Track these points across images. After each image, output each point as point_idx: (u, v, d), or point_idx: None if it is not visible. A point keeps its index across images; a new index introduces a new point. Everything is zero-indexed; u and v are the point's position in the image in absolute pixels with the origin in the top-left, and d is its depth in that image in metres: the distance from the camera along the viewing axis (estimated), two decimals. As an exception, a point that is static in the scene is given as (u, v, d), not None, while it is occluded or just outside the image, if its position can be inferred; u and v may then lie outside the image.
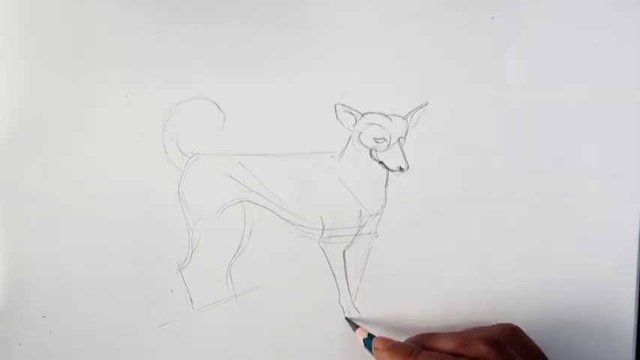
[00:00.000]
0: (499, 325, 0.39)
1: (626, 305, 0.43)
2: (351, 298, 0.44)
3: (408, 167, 0.43)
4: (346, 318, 0.43)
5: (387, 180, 0.43)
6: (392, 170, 0.43)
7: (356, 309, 0.44)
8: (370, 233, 0.43)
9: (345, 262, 0.44)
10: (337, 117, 0.43)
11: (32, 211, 0.43)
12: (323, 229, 0.43)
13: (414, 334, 0.41)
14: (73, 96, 0.43)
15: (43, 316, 0.43)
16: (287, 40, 0.43)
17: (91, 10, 0.42)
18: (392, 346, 0.38)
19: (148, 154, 0.43)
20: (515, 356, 0.36)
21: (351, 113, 0.43)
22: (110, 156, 0.43)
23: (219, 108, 0.43)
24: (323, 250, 0.43)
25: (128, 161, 0.43)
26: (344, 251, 0.44)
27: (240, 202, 0.43)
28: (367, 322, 0.43)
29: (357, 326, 0.42)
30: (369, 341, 0.40)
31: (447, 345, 0.38)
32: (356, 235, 0.44)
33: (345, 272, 0.44)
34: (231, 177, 0.43)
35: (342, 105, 0.43)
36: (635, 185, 0.43)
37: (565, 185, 0.43)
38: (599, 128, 0.43)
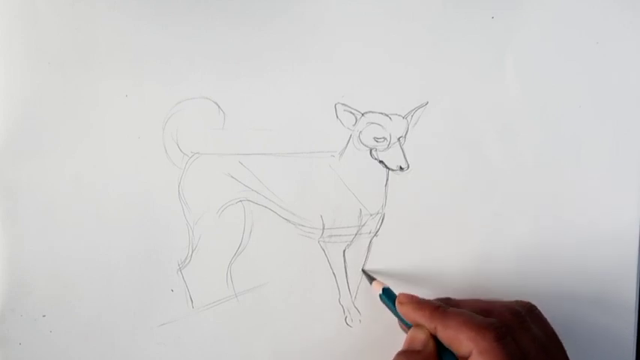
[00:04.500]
0: (517, 301, 0.40)
1: (626, 305, 0.43)
2: (351, 297, 0.44)
3: (408, 167, 0.43)
4: (363, 270, 0.43)
5: (387, 179, 0.43)
6: (392, 170, 0.43)
7: (356, 308, 0.44)
8: (370, 233, 0.43)
9: (345, 261, 0.44)
10: (337, 116, 0.43)
11: (32, 211, 0.43)
12: (323, 228, 0.43)
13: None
14: (73, 95, 0.43)
15: (43, 316, 0.43)
16: (287, 39, 0.43)
17: (90, 9, 0.42)
18: (418, 301, 0.38)
19: (148, 154, 0.43)
20: (534, 329, 0.36)
21: (351, 112, 0.43)
22: (110, 155, 0.43)
23: (219, 107, 0.43)
24: (323, 250, 0.43)
25: (128, 161, 0.43)
26: (344, 251, 0.44)
27: (241, 201, 0.43)
28: (368, 321, 0.43)
29: (373, 279, 0.42)
30: (384, 296, 0.40)
31: (469, 308, 0.38)
32: (356, 234, 0.44)
33: (345, 272, 0.44)
34: (232, 176, 0.43)
35: (342, 104, 0.43)
36: (636, 185, 0.43)
37: (565, 185, 0.43)
38: (599, 128, 0.43)
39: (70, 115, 0.43)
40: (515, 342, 0.34)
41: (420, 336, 0.37)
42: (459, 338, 0.34)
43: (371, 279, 0.42)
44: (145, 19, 0.42)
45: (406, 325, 0.39)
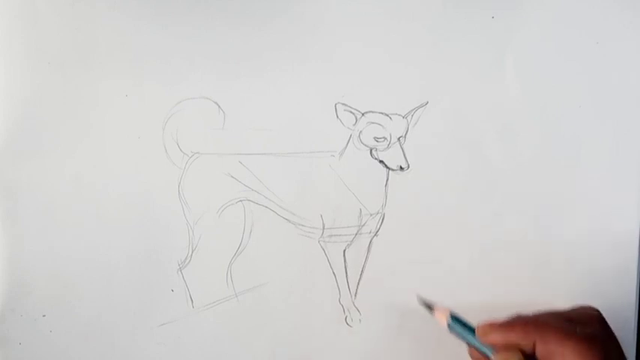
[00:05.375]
0: (584, 306, 0.39)
1: (626, 305, 0.43)
2: (351, 297, 0.44)
3: (408, 166, 0.43)
4: (421, 299, 0.41)
5: (387, 179, 0.43)
6: (392, 169, 0.43)
7: (356, 308, 0.44)
8: (370, 232, 0.43)
9: (345, 261, 0.44)
10: (337, 116, 0.43)
11: (32, 211, 0.43)
12: (323, 228, 0.43)
13: (416, 334, 0.41)
14: (73, 95, 0.43)
15: (43, 316, 0.43)
16: (287, 39, 0.43)
17: (90, 9, 0.42)
18: (501, 325, 0.37)
19: (148, 154, 0.43)
20: (608, 347, 0.36)
21: (351, 112, 0.43)
22: (110, 155, 0.43)
23: (219, 107, 0.43)
24: (323, 250, 0.43)
25: (128, 160, 0.43)
26: (344, 250, 0.44)
27: (241, 201, 0.43)
28: (368, 320, 0.43)
29: (432, 308, 0.40)
30: (455, 324, 0.38)
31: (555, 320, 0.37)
32: (356, 234, 0.43)
33: (346, 271, 0.44)
34: (232, 176, 0.43)
35: (343, 104, 0.43)
36: (636, 185, 0.43)
37: (565, 185, 0.43)
38: (599, 128, 0.43)
39: (70, 115, 0.43)
40: (610, 353, 0.34)
41: None
42: (562, 353, 0.34)
43: (429, 307, 0.40)
44: (145, 19, 0.42)
45: (482, 353, 0.37)
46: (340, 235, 0.43)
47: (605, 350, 0.34)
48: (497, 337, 0.37)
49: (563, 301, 0.43)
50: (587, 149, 0.43)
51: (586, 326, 0.36)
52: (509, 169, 0.43)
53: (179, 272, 0.43)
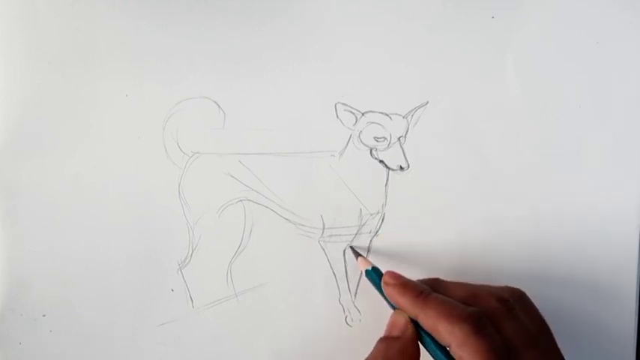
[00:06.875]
0: (508, 286, 0.38)
1: (626, 305, 0.43)
2: (351, 297, 0.44)
3: (408, 166, 0.43)
4: (351, 247, 0.43)
5: (387, 179, 0.43)
6: (392, 169, 0.43)
7: (356, 308, 0.44)
8: (371, 232, 0.43)
9: (345, 261, 0.44)
10: (337, 116, 0.43)
11: (32, 211, 0.43)
12: (323, 228, 0.43)
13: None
14: (73, 95, 0.43)
15: (43, 316, 0.43)
16: (287, 38, 0.43)
17: (90, 9, 0.42)
18: (403, 283, 0.37)
19: (148, 153, 0.43)
20: (523, 318, 0.35)
21: (351, 112, 0.43)
22: (110, 155, 0.43)
23: (219, 107, 0.43)
24: (323, 249, 0.43)
25: (128, 160, 0.43)
26: (344, 250, 0.44)
27: (241, 201, 0.43)
28: (368, 320, 0.43)
29: (360, 255, 0.42)
30: (372, 273, 0.40)
31: (456, 293, 0.37)
32: (356, 234, 0.44)
33: (346, 271, 0.44)
34: (232, 176, 0.43)
35: (343, 104, 0.43)
36: (636, 185, 0.43)
37: (565, 185, 0.43)
38: (599, 128, 0.43)
39: (70, 115, 0.43)
40: (498, 332, 0.34)
41: (400, 321, 0.36)
42: (437, 330, 0.34)
43: (357, 255, 0.42)
44: (145, 19, 0.42)
45: (391, 307, 0.38)
46: (340, 235, 0.43)
47: (481, 328, 0.33)
48: (393, 294, 0.37)
49: (562, 302, 0.44)
50: (587, 149, 0.43)
51: (483, 303, 0.35)
52: (509, 169, 0.43)
53: (179, 272, 0.43)
